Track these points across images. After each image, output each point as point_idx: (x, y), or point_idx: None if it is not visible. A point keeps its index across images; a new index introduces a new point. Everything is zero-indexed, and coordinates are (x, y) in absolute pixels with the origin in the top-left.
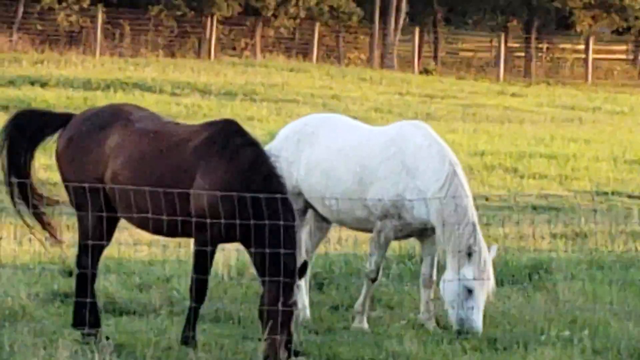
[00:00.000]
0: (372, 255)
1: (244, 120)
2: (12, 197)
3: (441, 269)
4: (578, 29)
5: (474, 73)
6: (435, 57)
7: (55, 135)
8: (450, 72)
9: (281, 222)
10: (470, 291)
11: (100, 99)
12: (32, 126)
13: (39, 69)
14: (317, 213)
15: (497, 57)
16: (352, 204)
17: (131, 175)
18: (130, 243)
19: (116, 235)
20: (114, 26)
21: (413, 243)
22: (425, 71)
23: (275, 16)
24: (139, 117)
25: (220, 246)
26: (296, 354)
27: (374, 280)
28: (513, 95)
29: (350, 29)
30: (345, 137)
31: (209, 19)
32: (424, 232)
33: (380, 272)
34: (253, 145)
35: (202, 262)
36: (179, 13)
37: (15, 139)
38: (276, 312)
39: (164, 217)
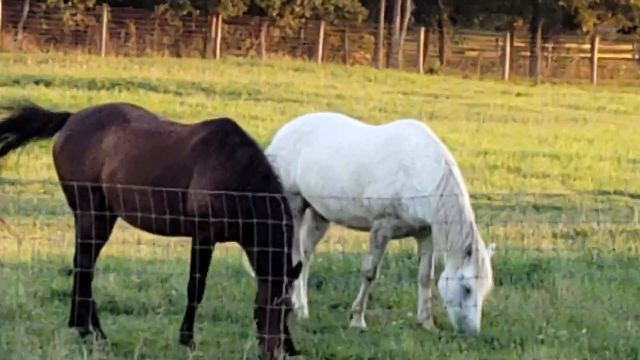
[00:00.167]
0: (369, 254)
1: (248, 119)
2: None
3: (439, 267)
4: (584, 28)
5: (480, 73)
6: (440, 57)
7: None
8: (456, 72)
9: (277, 222)
10: (468, 290)
11: (105, 99)
12: (29, 125)
13: (44, 68)
14: (315, 212)
15: (503, 56)
16: (350, 203)
17: (128, 175)
18: (130, 242)
19: (117, 234)
20: (119, 26)
21: (412, 242)
22: (431, 71)
23: (280, 16)
24: (136, 116)
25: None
26: (293, 352)
27: (371, 279)
28: (518, 94)
29: (356, 29)
30: (343, 136)
31: (215, 18)
32: (422, 231)
33: (378, 271)
34: (250, 145)
35: (200, 261)
36: (184, 12)
37: (3, 128)
38: (272, 311)
39: (163, 217)
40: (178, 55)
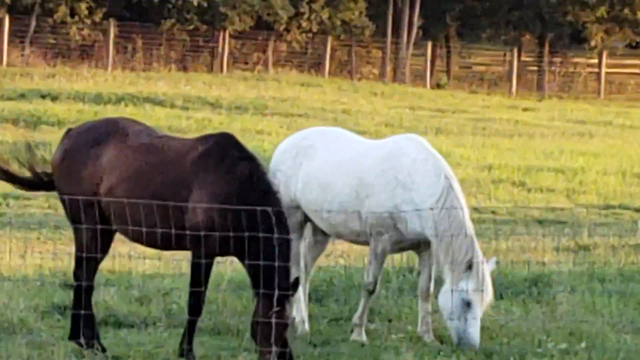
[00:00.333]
0: (369, 267)
1: (254, 134)
2: None
3: (439, 281)
4: (591, 43)
5: (487, 87)
6: (447, 72)
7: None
8: (463, 87)
9: (275, 236)
10: (468, 304)
11: (111, 113)
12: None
13: (50, 82)
14: (315, 226)
15: (510, 71)
16: (349, 217)
17: (127, 190)
18: (132, 255)
19: (119, 247)
20: (126, 40)
21: (414, 256)
22: (438, 85)
23: (287, 30)
24: (134, 131)
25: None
26: None
27: (372, 292)
28: (525, 109)
29: (363, 43)
30: (342, 150)
31: (222, 33)
32: (422, 245)
33: (379, 285)
34: (249, 159)
35: (199, 275)
36: (191, 27)
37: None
38: (269, 325)
39: (162, 231)
40: (185, 69)
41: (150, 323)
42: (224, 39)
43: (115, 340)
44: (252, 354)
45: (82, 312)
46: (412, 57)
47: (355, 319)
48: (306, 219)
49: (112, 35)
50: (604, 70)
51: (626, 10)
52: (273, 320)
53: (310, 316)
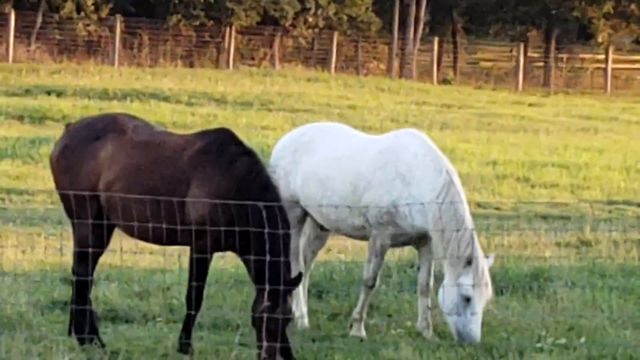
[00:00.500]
0: (369, 262)
1: (259, 129)
2: None
3: (439, 276)
4: (598, 38)
5: (493, 83)
6: (454, 67)
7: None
8: (470, 82)
9: (275, 231)
10: (468, 299)
11: (117, 109)
12: None
13: (56, 78)
14: (315, 221)
15: (517, 67)
16: (348, 212)
17: (125, 185)
18: (133, 251)
19: (118, 243)
20: (132, 36)
21: (414, 251)
22: (444, 81)
23: (293, 26)
24: (133, 127)
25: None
26: None
27: (371, 287)
28: (530, 105)
29: (369, 39)
30: (341, 145)
31: (228, 28)
32: (421, 240)
33: (378, 280)
34: (248, 154)
35: (198, 270)
36: (197, 23)
37: None
38: (270, 320)
39: (160, 226)
40: (191, 65)
41: (150, 318)
42: (230, 34)
43: (115, 335)
44: (252, 349)
45: (81, 307)
46: (418, 52)
47: (355, 314)
48: (306, 214)
49: (118, 31)
50: (610, 65)
51: (633, 6)
52: (275, 315)
53: (309, 311)
